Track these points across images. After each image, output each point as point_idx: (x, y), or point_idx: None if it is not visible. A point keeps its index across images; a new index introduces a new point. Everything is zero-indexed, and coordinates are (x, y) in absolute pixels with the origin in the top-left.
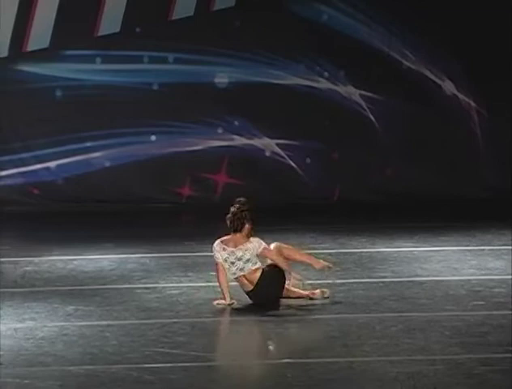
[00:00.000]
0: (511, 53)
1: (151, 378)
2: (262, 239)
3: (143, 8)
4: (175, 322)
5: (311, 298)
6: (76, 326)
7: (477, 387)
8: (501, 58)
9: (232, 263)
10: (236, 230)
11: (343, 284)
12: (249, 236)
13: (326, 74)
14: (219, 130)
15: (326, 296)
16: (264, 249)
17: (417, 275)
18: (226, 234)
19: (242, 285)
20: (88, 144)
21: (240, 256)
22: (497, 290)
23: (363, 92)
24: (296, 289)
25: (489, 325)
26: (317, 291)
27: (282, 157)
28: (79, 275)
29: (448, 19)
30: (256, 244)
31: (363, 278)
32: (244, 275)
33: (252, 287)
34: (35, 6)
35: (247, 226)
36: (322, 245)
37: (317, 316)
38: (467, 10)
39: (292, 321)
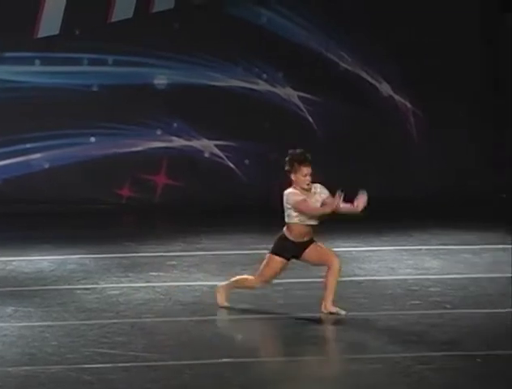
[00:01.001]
0: (446, 55)
1: (91, 379)
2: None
3: (83, 10)
4: (115, 323)
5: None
6: (15, 326)
7: (415, 386)
8: (435, 59)
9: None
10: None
11: (280, 284)
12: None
13: (264, 76)
14: (158, 132)
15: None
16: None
17: (355, 275)
18: None
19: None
20: (28, 146)
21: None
22: (433, 289)
23: (301, 94)
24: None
25: (426, 324)
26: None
27: (221, 158)
28: (19, 276)
29: (383, 21)
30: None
31: (301, 278)
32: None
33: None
34: None
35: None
36: (262, 246)
37: (254, 316)
38: (401, 12)
39: (229, 321)
